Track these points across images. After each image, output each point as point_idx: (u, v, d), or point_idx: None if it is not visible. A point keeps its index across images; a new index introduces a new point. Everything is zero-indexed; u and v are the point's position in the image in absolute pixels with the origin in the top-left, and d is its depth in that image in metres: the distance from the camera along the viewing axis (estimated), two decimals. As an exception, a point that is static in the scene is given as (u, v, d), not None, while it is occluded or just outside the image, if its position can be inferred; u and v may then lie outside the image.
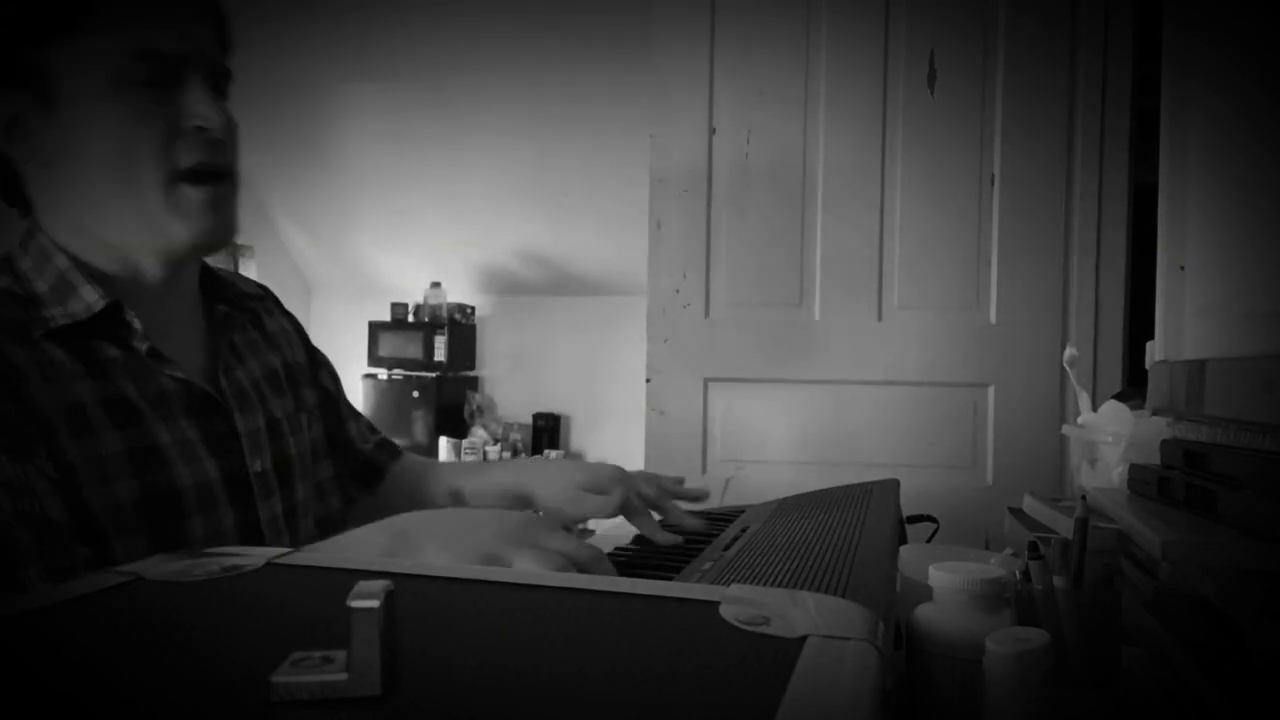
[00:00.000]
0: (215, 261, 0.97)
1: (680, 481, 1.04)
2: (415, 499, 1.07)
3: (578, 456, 4.84)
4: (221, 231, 0.83)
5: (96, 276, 0.81)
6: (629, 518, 0.95)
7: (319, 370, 1.07)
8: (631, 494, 0.95)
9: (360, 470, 1.09)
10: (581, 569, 0.63)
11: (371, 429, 1.13)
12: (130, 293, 0.82)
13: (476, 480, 1.06)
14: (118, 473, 0.75)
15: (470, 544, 0.63)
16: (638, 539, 0.95)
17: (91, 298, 0.79)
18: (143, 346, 0.80)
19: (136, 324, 0.80)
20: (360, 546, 0.67)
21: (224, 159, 0.82)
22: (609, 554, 0.80)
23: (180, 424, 0.81)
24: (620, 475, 0.97)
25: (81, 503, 0.72)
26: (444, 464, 1.18)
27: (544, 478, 1.00)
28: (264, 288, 1.07)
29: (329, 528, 0.97)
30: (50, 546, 0.68)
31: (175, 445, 0.80)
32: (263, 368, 0.96)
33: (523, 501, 0.99)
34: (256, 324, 1.00)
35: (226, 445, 0.85)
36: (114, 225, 0.81)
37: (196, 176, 0.80)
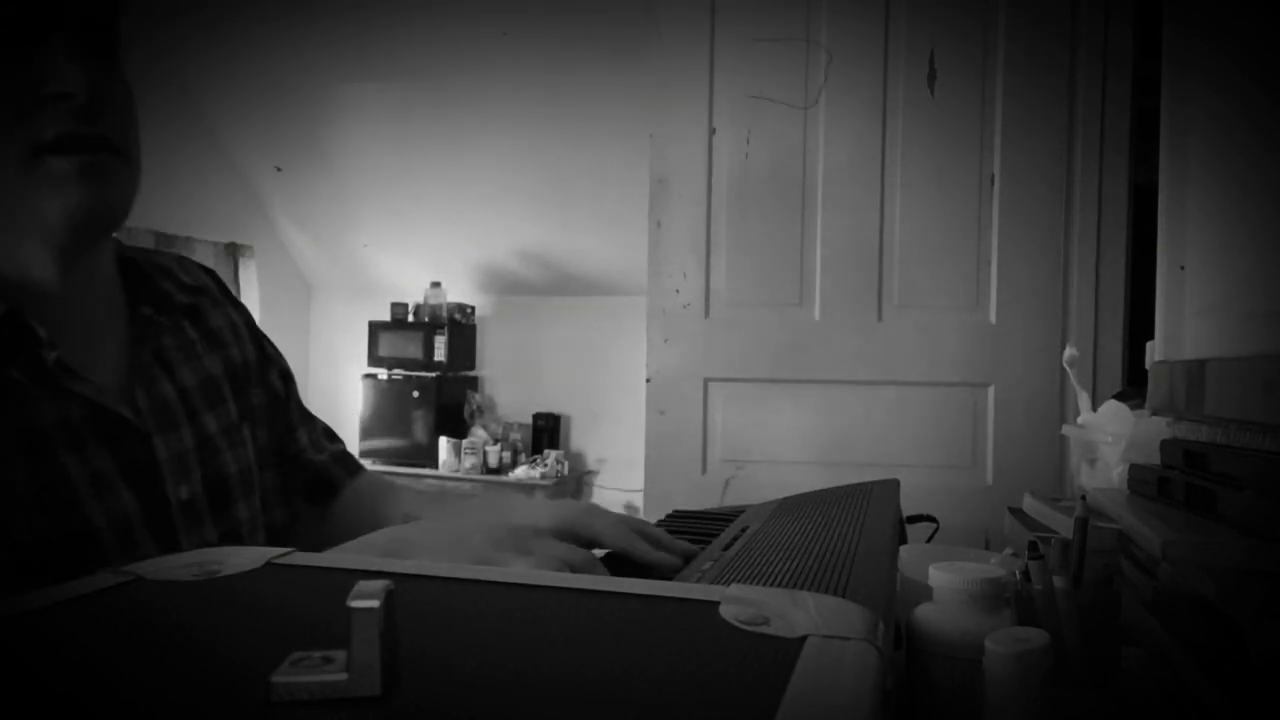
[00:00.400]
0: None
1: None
2: (373, 523, 0.89)
3: (578, 457, 4.84)
4: (102, 206, 0.70)
5: None
6: (625, 551, 0.78)
7: (269, 368, 0.95)
8: (623, 528, 0.79)
9: (310, 482, 0.96)
10: (575, 572, 0.63)
11: (330, 436, 1.01)
12: (26, 298, 0.70)
13: (442, 515, 0.92)
14: (28, 506, 0.66)
15: (463, 552, 0.62)
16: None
17: None
18: (50, 355, 0.69)
19: (40, 331, 0.68)
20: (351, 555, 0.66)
21: (95, 128, 0.68)
22: (608, 554, 0.80)
23: (90, 453, 0.71)
24: (600, 514, 0.81)
25: None
26: (408, 490, 1.05)
27: (520, 514, 0.84)
28: (210, 273, 0.94)
29: (274, 542, 0.88)
30: None
31: (86, 478, 0.69)
32: (196, 375, 0.84)
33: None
34: (196, 320, 0.87)
35: (145, 472, 0.74)
36: None
37: (61, 147, 0.67)
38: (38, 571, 0.64)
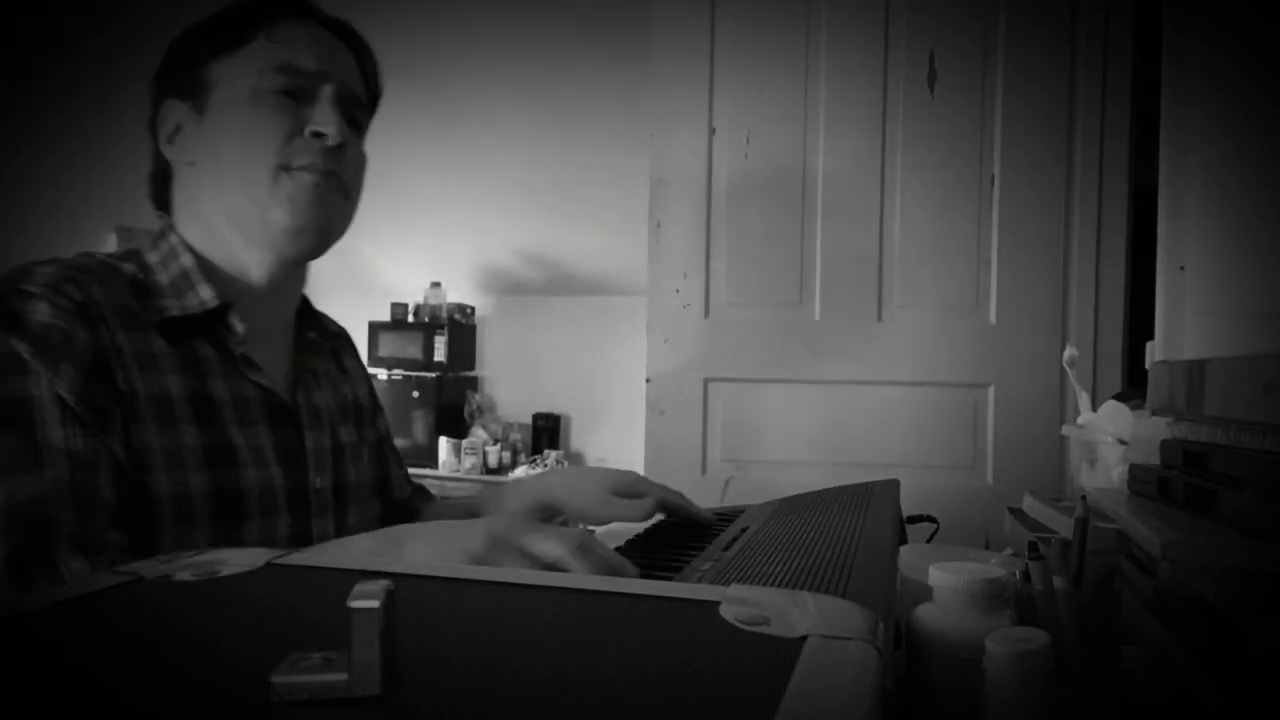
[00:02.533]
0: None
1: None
2: None
3: (577, 457, 4.84)
4: (321, 225, 0.89)
5: (214, 278, 0.88)
6: (673, 514, 0.99)
7: (379, 414, 1.13)
8: (667, 493, 0.98)
9: (398, 515, 1.11)
10: (564, 568, 0.63)
11: (407, 478, 1.17)
12: (238, 297, 0.88)
13: (495, 497, 1.08)
14: (191, 464, 0.80)
15: (453, 549, 0.63)
16: (637, 539, 0.95)
17: (206, 295, 0.86)
18: (239, 350, 0.87)
19: (239, 328, 0.87)
20: (349, 547, 0.69)
21: (335, 166, 0.88)
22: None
23: (256, 429, 0.86)
24: (652, 484, 1.01)
25: (145, 487, 0.76)
26: (457, 501, 1.21)
27: (567, 484, 1.01)
28: (344, 330, 1.14)
29: None
30: (87, 524, 0.71)
31: (248, 448, 0.85)
32: (337, 397, 1.02)
33: (548, 510, 1.00)
34: (336, 358, 1.07)
35: (294, 458, 0.89)
36: (229, 217, 0.88)
37: (304, 173, 0.86)
38: (189, 520, 0.78)
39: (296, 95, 0.87)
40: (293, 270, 0.93)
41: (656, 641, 0.38)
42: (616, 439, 4.62)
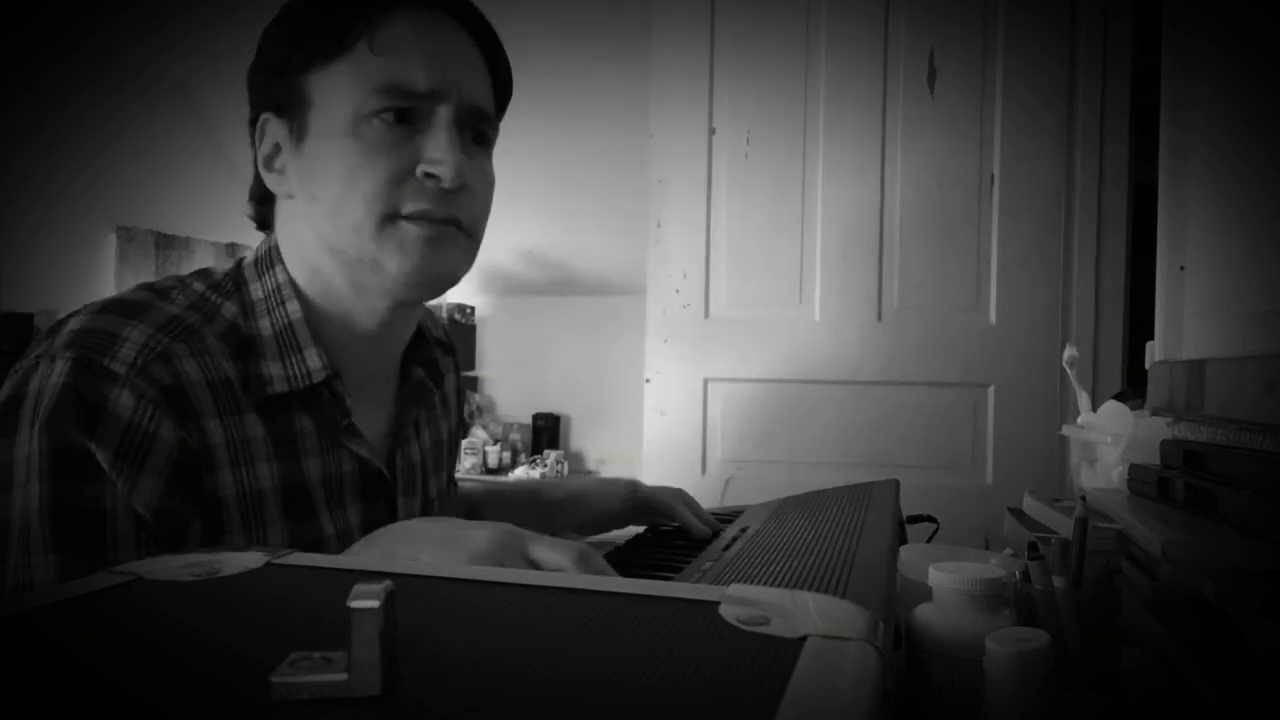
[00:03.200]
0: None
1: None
2: None
3: (577, 457, 4.84)
4: (438, 270, 0.77)
5: (321, 332, 0.78)
6: (670, 511, 0.99)
7: (461, 435, 1.08)
8: (673, 494, 1.01)
9: None
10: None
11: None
12: (343, 346, 0.79)
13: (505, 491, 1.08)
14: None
15: (458, 553, 0.63)
16: (635, 538, 0.95)
17: (315, 364, 0.76)
18: (344, 422, 0.78)
19: (348, 401, 0.78)
20: (352, 550, 0.68)
21: (451, 211, 0.75)
22: (608, 554, 0.80)
23: (347, 511, 0.79)
24: (652, 487, 1.02)
25: None
26: (478, 490, 1.16)
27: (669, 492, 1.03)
28: (449, 336, 1.04)
29: None
30: None
31: (336, 538, 0.77)
32: (433, 438, 0.94)
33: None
34: (439, 384, 0.95)
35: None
36: (336, 262, 0.77)
37: (416, 220, 0.75)
38: None
39: (407, 116, 0.74)
40: (406, 314, 0.83)
41: (656, 641, 0.38)
42: (616, 439, 4.62)
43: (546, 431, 4.80)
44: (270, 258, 0.80)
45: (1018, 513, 1.06)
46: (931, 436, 1.83)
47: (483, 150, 0.81)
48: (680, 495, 1.01)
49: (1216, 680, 0.56)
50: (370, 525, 0.79)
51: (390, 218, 0.74)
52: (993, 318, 1.82)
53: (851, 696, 0.32)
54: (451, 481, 1.10)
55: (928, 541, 1.02)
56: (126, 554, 0.64)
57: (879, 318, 1.86)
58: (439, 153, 0.73)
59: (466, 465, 4.61)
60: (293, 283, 0.78)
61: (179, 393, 0.68)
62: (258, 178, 0.80)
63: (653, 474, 1.93)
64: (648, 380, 1.94)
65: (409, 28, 0.74)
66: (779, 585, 0.60)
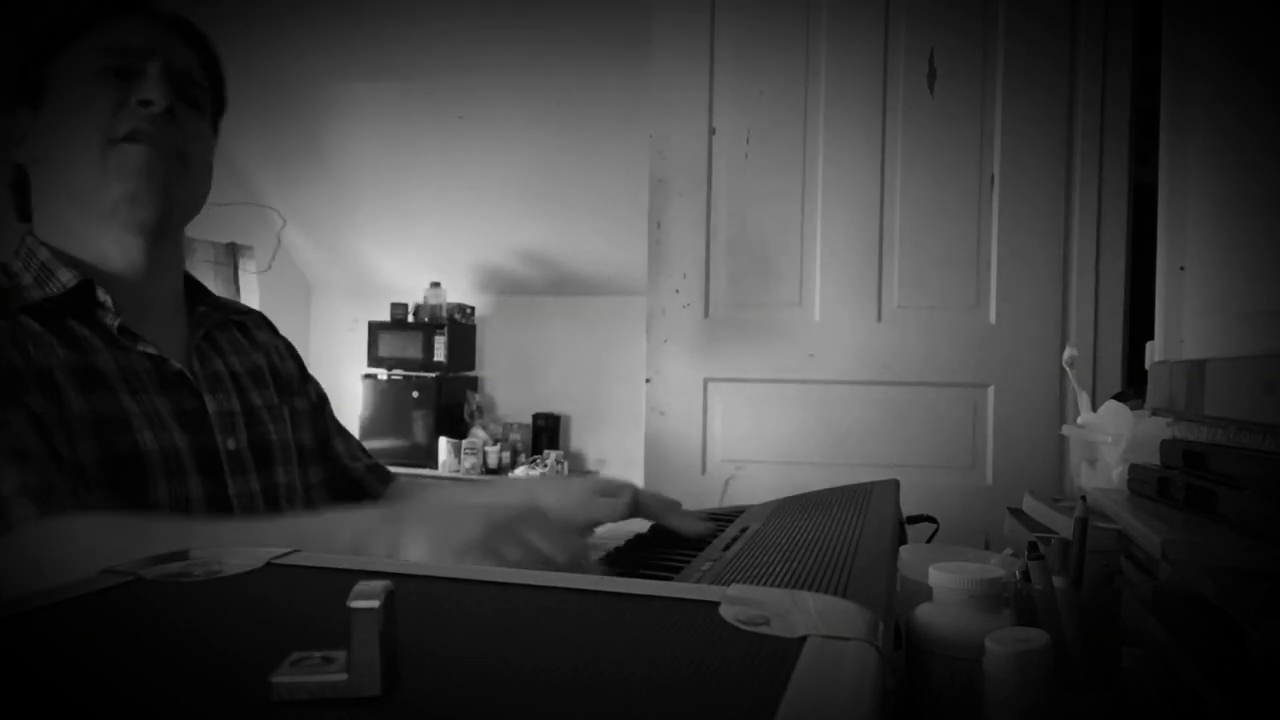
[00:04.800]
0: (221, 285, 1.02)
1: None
2: None
3: (577, 457, 4.83)
4: (158, 189, 0.87)
5: (75, 264, 0.87)
6: (651, 517, 0.96)
7: (308, 383, 1.11)
8: (642, 495, 0.97)
9: (348, 489, 1.10)
10: (557, 570, 0.63)
11: (363, 451, 1.15)
12: (106, 279, 0.88)
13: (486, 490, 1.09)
14: (81, 433, 0.79)
15: (455, 532, 0.64)
16: (635, 538, 0.95)
17: (65, 277, 0.86)
18: (114, 322, 0.86)
19: (107, 300, 0.86)
20: (347, 520, 0.69)
21: (163, 133, 0.87)
22: (608, 554, 0.80)
23: (150, 396, 0.86)
24: (627, 483, 0.99)
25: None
26: (439, 486, 1.23)
27: (555, 491, 1.01)
28: (255, 310, 1.13)
29: None
30: (31, 470, 0.72)
31: (141, 414, 0.84)
32: (244, 363, 1.00)
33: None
34: (245, 333, 1.05)
35: (196, 421, 0.89)
36: (76, 201, 0.88)
37: (133, 140, 0.86)
38: (88, 487, 0.77)
39: (124, 73, 0.87)
40: (154, 246, 0.92)
41: (656, 641, 0.38)
42: (616, 439, 4.62)
43: (546, 431, 4.80)
44: (22, 239, 0.91)
45: (1018, 513, 1.06)
46: (931, 436, 1.84)
47: (196, 112, 0.93)
48: (675, 507, 0.98)
49: (1216, 680, 0.56)
50: (180, 414, 0.88)
51: (111, 143, 0.85)
52: (993, 318, 1.82)
53: (851, 696, 0.32)
54: (377, 469, 1.13)
55: (928, 541, 1.02)
56: None
57: (879, 318, 1.86)
58: (151, 87, 0.87)
59: (466, 465, 4.61)
60: (42, 242, 0.90)
61: None
62: (16, 169, 0.93)
63: (653, 474, 1.93)
64: (648, 380, 1.94)
65: (129, 21, 0.91)
66: (779, 585, 0.60)
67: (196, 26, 0.97)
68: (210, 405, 0.91)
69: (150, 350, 0.88)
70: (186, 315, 0.98)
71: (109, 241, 0.89)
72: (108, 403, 0.82)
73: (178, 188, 0.90)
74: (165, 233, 0.92)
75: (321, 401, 1.13)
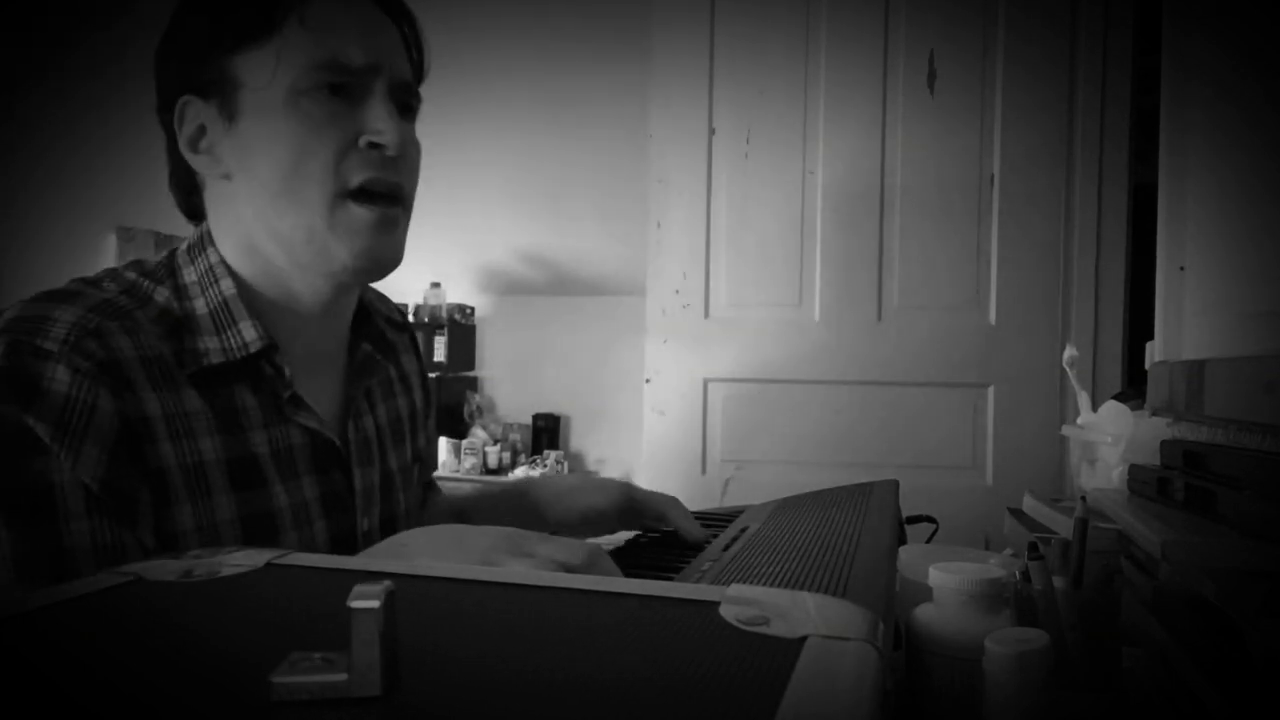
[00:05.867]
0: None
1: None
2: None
3: (577, 457, 4.84)
4: (386, 254, 0.79)
5: (258, 308, 0.78)
6: (648, 511, 0.96)
7: (430, 420, 1.04)
8: (637, 489, 0.97)
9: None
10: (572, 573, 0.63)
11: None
12: (284, 327, 0.79)
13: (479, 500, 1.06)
14: (226, 540, 0.72)
15: (464, 556, 0.62)
16: (635, 539, 0.95)
17: (250, 335, 0.76)
18: (286, 394, 0.78)
19: (287, 371, 0.77)
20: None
21: (396, 178, 0.78)
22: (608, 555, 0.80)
23: (301, 482, 0.79)
24: (624, 488, 0.98)
25: None
26: (461, 492, 1.17)
27: (549, 485, 1.01)
28: (405, 317, 1.04)
29: None
30: None
31: (290, 509, 0.77)
32: (389, 414, 0.93)
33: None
34: (395, 361, 0.97)
35: (341, 503, 0.82)
36: (279, 243, 0.77)
37: (365, 195, 0.76)
38: None
39: (343, 93, 0.75)
40: (349, 291, 0.84)
41: (656, 642, 0.38)
42: (616, 439, 4.62)
43: (546, 432, 4.80)
44: (203, 242, 0.80)
45: (1018, 513, 1.06)
46: (931, 436, 1.84)
47: (410, 121, 0.83)
48: (674, 503, 0.97)
49: (1216, 680, 0.56)
50: (327, 496, 0.80)
51: (340, 196, 0.75)
52: (993, 318, 1.82)
53: (851, 696, 0.32)
54: (430, 485, 1.10)
55: (928, 541, 1.02)
56: (79, 524, 0.65)
57: (879, 318, 1.86)
58: (381, 122, 0.75)
59: (466, 465, 4.61)
60: (225, 262, 0.78)
61: (113, 365, 0.68)
62: (179, 163, 0.80)
63: (652, 474, 1.93)
64: (647, 380, 1.94)
65: (338, 5, 0.76)
66: (779, 585, 0.60)
67: (414, 18, 0.83)
68: (358, 482, 0.83)
69: (310, 424, 0.79)
70: (347, 359, 0.88)
71: (307, 288, 0.79)
72: (258, 502, 0.75)
73: (400, 236, 0.81)
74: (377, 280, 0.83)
75: (433, 433, 1.06)
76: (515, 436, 4.79)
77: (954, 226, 1.83)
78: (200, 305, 0.77)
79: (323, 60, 0.73)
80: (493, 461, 4.67)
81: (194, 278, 0.78)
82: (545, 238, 4.43)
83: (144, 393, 0.70)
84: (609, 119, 3.64)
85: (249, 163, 0.76)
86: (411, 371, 1.00)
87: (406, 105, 0.80)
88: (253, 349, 0.75)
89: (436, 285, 4.87)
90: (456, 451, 4.63)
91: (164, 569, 0.46)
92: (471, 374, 5.00)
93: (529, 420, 4.86)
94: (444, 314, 4.82)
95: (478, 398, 4.94)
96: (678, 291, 1.92)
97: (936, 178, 1.83)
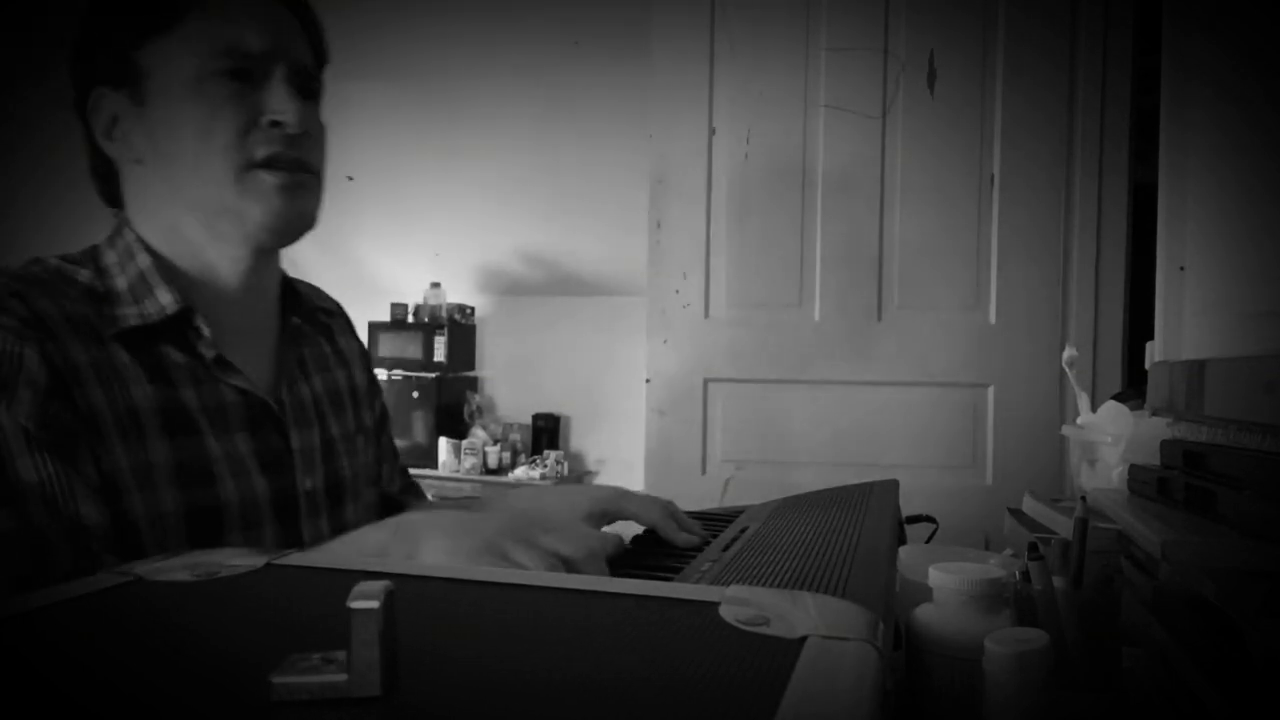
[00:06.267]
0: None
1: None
2: None
3: (577, 457, 4.84)
4: (297, 217, 0.83)
5: (176, 279, 0.82)
6: (653, 525, 0.90)
7: (376, 396, 1.07)
8: (631, 504, 0.90)
9: (386, 510, 1.04)
10: (572, 569, 0.63)
11: (403, 472, 1.12)
12: (207, 296, 0.83)
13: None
14: (163, 482, 0.75)
15: (469, 538, 0.63)
16: (636, 539, 0.94)
17: (166, 300, 0.80)
18: (209, 354, 0.81)
19: (205, 330, 0.81)
20: (361, 542, 0.68)
21: (299, 153, 0.82)
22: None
23: (234, 437, 0.82)
24: (633, 495, 0.92)
25: (122, 510, 0.73)
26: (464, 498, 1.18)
27: (553, 505, 0.98)
28: (339, 305, 1.08)
29: None
30: (79, 552, 0.69)
31: (226, 459, 0.80)
32: (327, 384, 0.96)
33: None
34: (329, 339, 1.01)
35: (279, 461, 0.85)
36: (193, 218, 0.82)
37: (271, 165, 0.81)
38: (166, 542, 0.74)
39: (243, 76, 0.80)
40: (264, 261, 0.87)
41: (656, 642, 0.38)
42: (616, 439, 4.62)
43: (546, 432, 4.80)
44: (120, 227, 0.85)
45: (1018, 513, 1.06)
46: (931, 436, 1.84)
47: (313, 103, 0.87)
48: (667, 512, 0.91)
49: (1216, 680, 0.56)
50: (262, 452, 0.84)
51: (246, 168, 0.80)
52: (993, 318, 1.82)
53: (851, 696, 0.32)
54: (414, 491, 1.10)
55: (927, 541, 1.02)
56: (23, 461, 0.68)
57: (879, 318, 1.86)
58: (281, 103, 0.80)
59: (466, 465, 4.61)
60: (141, 240, 0.83)
61: (37, 321, 0.73)
62: (96, 153, 0.85)
63: (652, 475, 1.93)
64: (648, 380, 1.94)
65: None
66: (779, 585, 0.60)
67: (309, 6, 0.89)
68: (294, 442, 0.87)
69: (241, 384, 0.83)
70: (278, 330, 0.92)
71: (219, 254, 0.84)
72: (192, 449, 0.78)
73: (313, 205, 0.86)
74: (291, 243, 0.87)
75: (383, 418, 1.09)
76: (515, 437, 4.79)
77: (954, 226, 1.83)
78: (121, 282, 0.81)
79: (223, 47, 0.79)
80: (493, 461, 4.67)
81: (114, 259, 0.83)
82: (545, 238, 4.43)
83: (70, 345, 0.74)
84: (609, 119, 3.64)
85: (159, 146, 0.81)
86: (349, 350, 1.03)
87: (308, 89, 0.86)
88: (169, 311, 0.79)
89: (436, 285, 4.87)
90: (456, 452, 4.63)
91: (164, 569, 0.46)
92: (471, 374, 5.00)
93: (529, 420, 4.86)
94: (444, 314, 4.82)
95: (478, 398, 4.95)
96: (678, 291, 1.92)
97: (936, 178, 1.83)
